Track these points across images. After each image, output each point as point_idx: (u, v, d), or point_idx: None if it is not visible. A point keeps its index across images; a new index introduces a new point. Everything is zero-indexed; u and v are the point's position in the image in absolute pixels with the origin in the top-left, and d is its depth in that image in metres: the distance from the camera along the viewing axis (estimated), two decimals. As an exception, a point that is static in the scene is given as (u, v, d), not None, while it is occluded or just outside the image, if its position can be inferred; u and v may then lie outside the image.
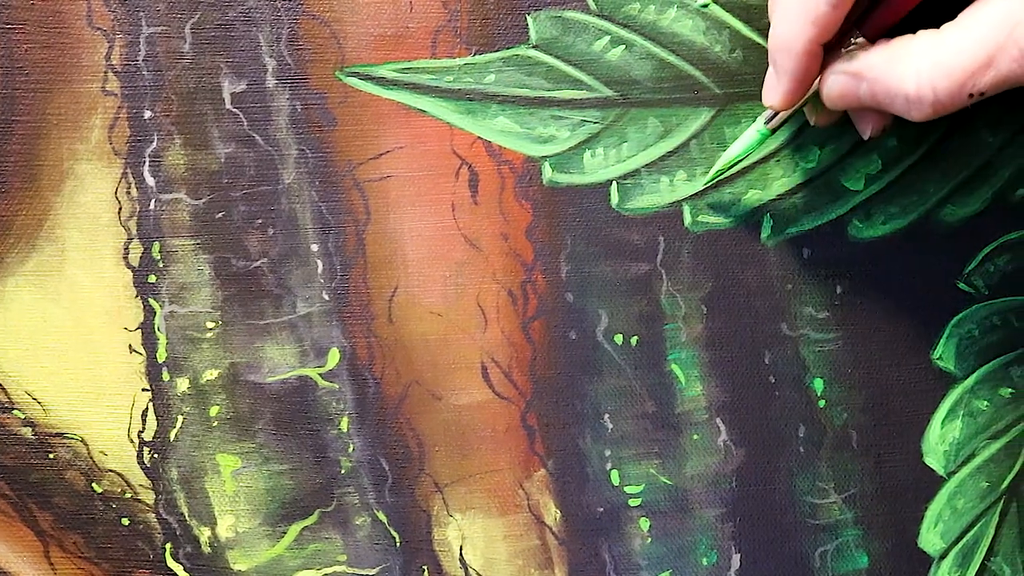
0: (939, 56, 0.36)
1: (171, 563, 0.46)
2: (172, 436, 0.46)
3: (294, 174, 0.46)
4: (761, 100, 0.45)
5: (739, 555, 0.46)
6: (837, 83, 0.39)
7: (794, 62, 0.40)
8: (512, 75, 0.45)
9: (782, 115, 0.42)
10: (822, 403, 0.46)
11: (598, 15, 0.45)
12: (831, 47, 0.40)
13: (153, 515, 0.46)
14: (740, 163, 0.44)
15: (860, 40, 0.39)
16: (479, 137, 0.46)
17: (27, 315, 0.46)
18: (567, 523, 0.46)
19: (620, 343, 0.46)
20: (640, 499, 0.46)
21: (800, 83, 0.40)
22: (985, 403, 0.46)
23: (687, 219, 0.46)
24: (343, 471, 0.46)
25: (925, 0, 0.38)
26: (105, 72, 0.45)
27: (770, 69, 0.41)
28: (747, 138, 0.43)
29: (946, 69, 0.36)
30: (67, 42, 0.45)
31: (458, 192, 0.46)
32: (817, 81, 0.41)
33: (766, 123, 0.42)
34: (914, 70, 0.37)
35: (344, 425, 0.46)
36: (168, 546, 0.46)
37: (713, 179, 0.44)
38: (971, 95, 0.36)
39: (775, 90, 0.41)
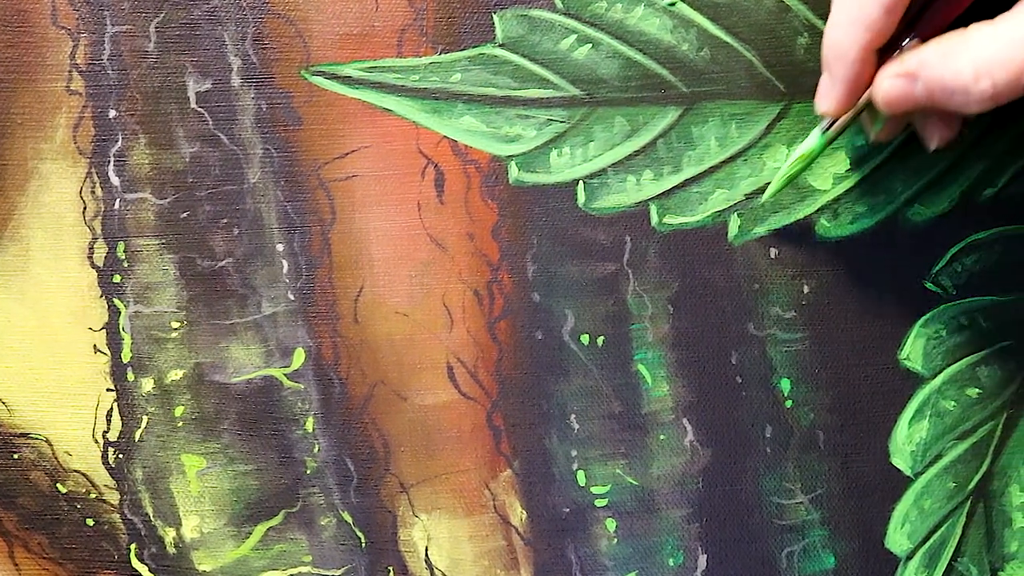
0: (996, 47, 0.36)
1: (136, 564, 0.46)
2: (137, 436, 0.46)
3: (259, 173, 0.45)
4: (727, 97, 0.45)
5: (706, 556, 0.46)
6: (893, 86, 0.38)
7: (848, 68, 0.39)
8: (478, 74, 0.45)
9: (840, 123, 0.41)
10: (789, 403, 0.46)
11: (564, 13, 0.45)
12: (884, 51, 0.39)
13: (118, 515, 0.46)
14: (801, 173, 0.43)
15: (914, 41, 0.39)
16: (445, 136, 0.45)
17: (-9, 315, 0.46)
18: (533, 523, 0.46)
19: (586, 343, 0.46)
20: (606, 499, 0.46)
21: (853, 89, 0.40)
22: (952, 403, 0.46)
23: (654, 219, 0.45)
24: (308, 471, 0.46)
25: (976, -1, 0.38)
26: (69, 71, 0.45)
27: (824, 75, 0.41)
28: (807, 147, 0.42)
29: (1004, 60, 0.36)
30: (31, 41, 0.45)
31: (424, 192, 0.46)
32: (870, 90, 0.40)
33: (823, 132, 0.42)
34: (970, 62, 0.36)
35: (309, 425, 0.46)
36: (133, 547, 0.46)
37: (775, 193, 0.44)
38: None
39: (828, 96, 0.40)
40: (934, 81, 0.37)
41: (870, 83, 0.40)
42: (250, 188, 0.45)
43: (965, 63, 0.37)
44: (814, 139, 0.42)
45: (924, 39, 0.38)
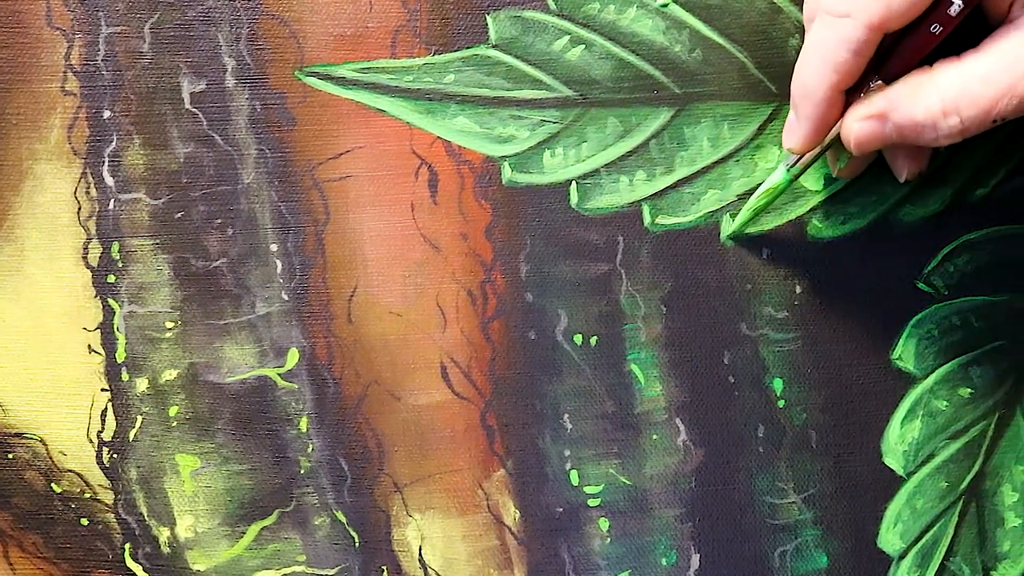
0: (963, 84, 0.37)
1: (130, 563, 0.46)
2: (131, 436, 0.46)
3: (253, 174, 0.46)
4: (720, 98, 0.45)
5: (698, 555, 0.46)
6: (863, 128, 0.39)
7: (815, 108, 0.40)
8: (471, 75, 0.45)
9: (805, 159, 0.42)
10: (781, 403, 0.46)
11: (558, 15, 0.45)
12: (851, 92, 0.40)
13: (112, 515, 0.46)
14: (765, 210, 0.45)
15: (878, 83, 0.40)
16: (438, 137, 0.46)
17: (-14, 315, 0.46)
18: (526, 523, 0.46)
19: (579, 343, 0.46)
20: (599, 499, 0.46)
21: (820, 128, 0.41)
22: (944, 403, 0.46)
23: (647, 219, 0.46)
24: (302, 471, 0.46)
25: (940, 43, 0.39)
26: (64, 72, 0.45)
27: (790, 113, 0.42)
28: (772, 182, 0.43)
29: (972, 97, 0.37)
30: (26, 42, 0.45)
31: (417, 192, 0.46)
32: (837, 126, 0.41)
33: (788, 168, 0.43)
34: (939, 100, 0.38)
35: (303, 425, 0.46)
36: (127, 546, 0.46)
37: (742, 226, 0.45)
38: (995, 120, 0.37)
39: (795, 134, 0.41)
40: (904, 120, 0.38)
41: (836, 121, 0.40)
42: (244, 188, 0.46)
43: (934, 100, 0.38)
44: (780, 174, 0.43)
45: (888, 79, 0.39)
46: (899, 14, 0.37)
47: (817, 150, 0.42)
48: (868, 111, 0.39)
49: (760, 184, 0.44)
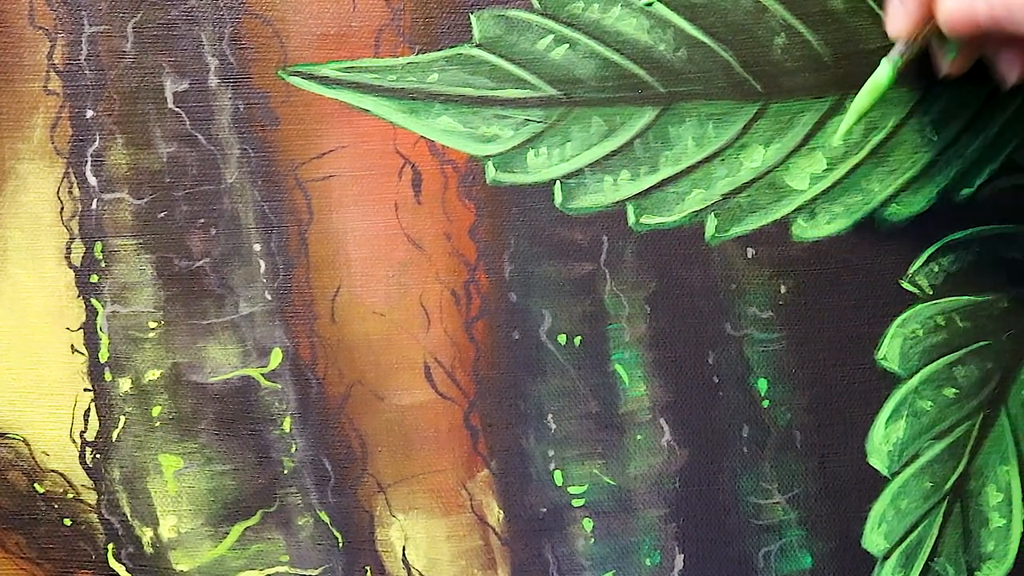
0: None
1: (113, 563, 0.46)
2: (114, 436, 0.46)
3: (236, 174, 0.45)
4: (704, 97, 0.45)
5: (682, 555, 0.46)
6: (954, 6, 0.37)
7: None
8: (455, 74, 0.45)
9: (910, 50, 0.40)
10: (766, 403, 0.46)
11: (542, 13, 0.45)
12: None
13: (95, 515, 0.46)
14: (872, 107, 0.42)
15: None
16: (422, 136, 0.45)
17: (-31, 315, 0.46)
18: (510, 523, 0.46)
19: (563, 343, 0.46)
20: (583, 499, 0.46)
21: (923, 9, 0.39)
22: (929, 403, 0.46)
23: (631, 219, 0.46)
24: (286, 471, 0.46)
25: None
26: (47, 71, 0.45)
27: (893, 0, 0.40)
28: (876, 79, 0.41)
29: None
30: (8, 41, 0.45)
31: (401, 192, 0.46)
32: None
33: (893, 62, 0.41)
34: None
35: (287, 425, 0.46)
36: (110, 546, 0.46)
37: (849, 130, 0.43)
38: None
39: (897, 17, 0.40)
40: (998, 1, 0.36)
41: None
42: (227, 188, 0.45)
43: None
44: (883, 71, 0.41)
45: None
46: None
47: (920, 40, 0.40)
48: None
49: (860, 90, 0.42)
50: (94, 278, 0.46)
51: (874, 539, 0.46)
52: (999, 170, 0.45)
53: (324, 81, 0.45)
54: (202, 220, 0.45)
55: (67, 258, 0.46)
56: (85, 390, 0.46)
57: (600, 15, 0.45)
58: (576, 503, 0.46)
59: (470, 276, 0.46)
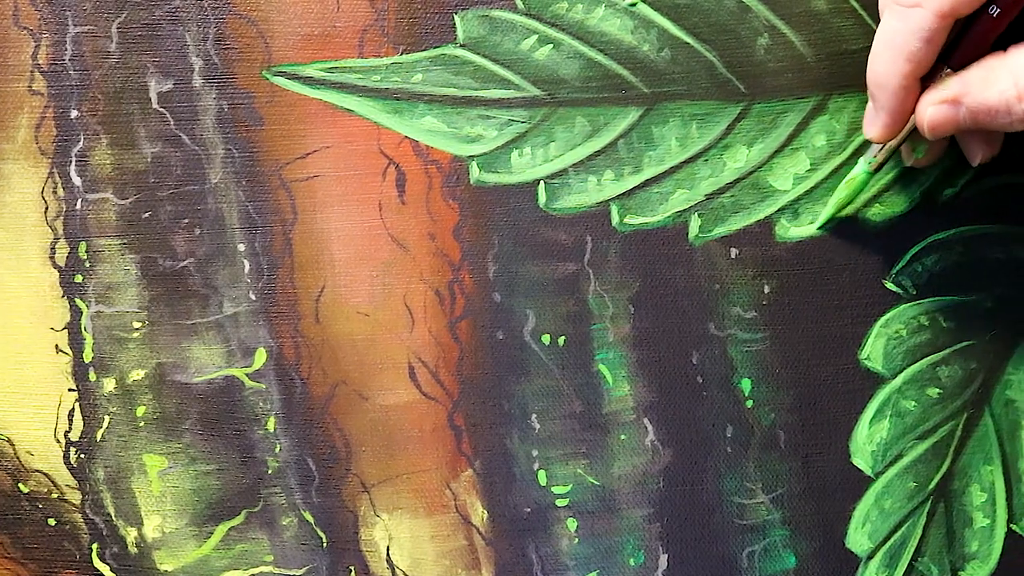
0: None
1: (98, 563, 0.46)
2: (99, 436, 0.46)
3: (221, 174, 0.45)
4: (688, 97, 0.45)
5: (666, 555, 0.46)
6: (937, 113, 0.40)
7: (891, 97, 0.41)
8: (439, 74, 0.45)
9: (885, 149, 0.43)
10: (750, 403, 0.46)
11: (526, 14, 0.45)
12: (925, 79, 0.40)
13: (80, 515, 0.46)
14: (848, 206, 0.45)
15: (948, 71, 0.40)
16: (406, 137, 0.45)
17: (-46, 315, 0.46)
18: (494, 523, 0.46)
19: (547, 343, 0.46)
20: (567, 499, 0.46)
21: (899, 116, 0.41)
22: (913, 403, 0.46)
23: (615, 219, 0.46)
24: (270, 471, 0.46)
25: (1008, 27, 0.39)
26: (31, 71, 0.45)
27: (869, 104, 0.42)
28: (854, 178, 0.44)
29: None
30: (-7, 41, 0.45)
31: (385, 192, 0.46)
32: (914, 117, 0.41)
33: (868, 162, 0.43)
34: (1012, 83, 0.38)
35: (271, 425, 0.46)
36: (95, 546, 0.46)
37: (824, 223, 0.45)
38: None
39: (875, 123, 0.42)
40: (978, 104, 0.39)
41: (913, 110, 0.41)
42: (212, 188, 0.46)
43: (1007, 84, 0.38)
44: (859, 168, 0.43)
45: (956, 67, 0.40)
46: (968, 0, 0.38)
47: (896, 140, 0.42)
48: (942, 96, 0.39)
49: (831, 178, 0.45)
50: (78, 278, 0.46)
51: (858, 539, 0.46)
52: (982, 170, 0.45)
53: (308, 81, 0.45)
54: (186, 220, 0.46)
55: (51, 258, 0.46)
56: (69, 390, 0.46)
57: (584, 15, 0.45)
58: (560, 503, 0.46)
59: (454, 276, 0.46)
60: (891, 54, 0.40)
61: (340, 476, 0.46)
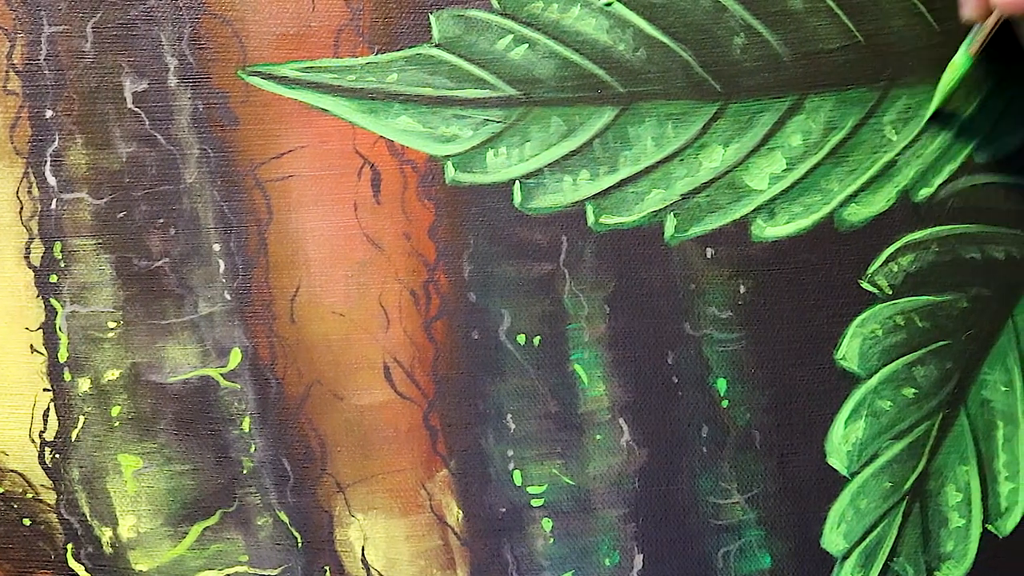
0: None
1: (72, 563, 0.46)
2: (74, 436, 0.46)
3: (196, 173, 0.45)
4: (664, 97, 0.45)
5: (642, 555, 0.46)
6: None
7: None
8: (415, 74, 0.45)
9: (981, 32, 0.42)
10: (725, 403, 0.46)
11: (501, 13, 0.45)
12: None
13: (55, 515, 0.46)
14: (952, 96, 0.44)
15: None
16: (381, 136, 0.45)
17: (-72, 315, 0.46)
18: (469, 523, 0.46)
19: (523, 343, 0.46)
20: (543, 499, 0.46)
21: None
22: (888, 403, 0.46)
23: (590, 219, 0.45)
24: (245, 471, 0.46)
25: None
26: (6, 71, 0.45)
27: None
28: (955, 63, 0.43)
29: None
30: (-32, 41, 0.45)
31: (360, 192, 0.46)
32: None
33: (967, 47, 0.42)
34: None
35: (246, 425, 0.46)
36: (70, 546, 0.46)
37: (936, 107, 0.44)
38: None
39: (968, 4, 0.42)
40: None
41: None
42: (187, 188, 0.45)
43: None
44: (960, 56, 0.43)
45: None
46: None
47: (990, 19, 0.41)
48: None
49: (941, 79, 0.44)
50: (53, 278, 0.46)
51: (833, 539, 0.46)
52: (958, 170, 0.45)
53: (283, 81, 0.45)
54: (161, 220, 0.45)
55: (26, 258, 0.46)
56: (44, 390, 0.46)
57: (559, 15, 0.45)
58: (535, 503, 0.46)
59: (429, 276, 0.46)
60: None
61: (315, 476, 0.46)
